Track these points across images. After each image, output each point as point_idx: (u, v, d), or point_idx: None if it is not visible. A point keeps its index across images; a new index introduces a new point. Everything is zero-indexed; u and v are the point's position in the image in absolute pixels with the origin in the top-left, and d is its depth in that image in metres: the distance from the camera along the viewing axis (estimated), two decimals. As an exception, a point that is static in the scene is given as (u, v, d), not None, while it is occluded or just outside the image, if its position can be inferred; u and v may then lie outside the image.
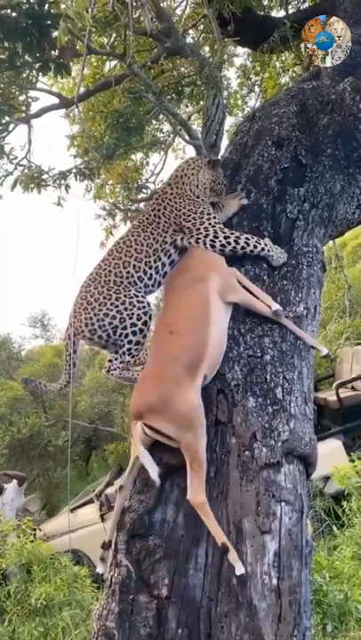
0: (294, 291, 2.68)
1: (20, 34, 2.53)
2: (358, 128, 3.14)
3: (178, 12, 5.12)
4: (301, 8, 5.00)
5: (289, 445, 2.28)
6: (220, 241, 2.56)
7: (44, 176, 3.68)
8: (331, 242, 4.58)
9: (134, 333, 2.51)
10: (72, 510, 7.53)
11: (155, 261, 2.63)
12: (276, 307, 2.47)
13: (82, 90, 3.59)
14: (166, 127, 5.06)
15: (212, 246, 2.57)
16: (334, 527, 5.44)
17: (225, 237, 2.56)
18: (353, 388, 7.47)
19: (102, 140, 3.39)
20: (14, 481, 8.17)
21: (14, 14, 2.61)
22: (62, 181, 3.70)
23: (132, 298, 2.53)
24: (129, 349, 2.52)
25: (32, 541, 5.44)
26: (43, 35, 2.52)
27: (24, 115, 3.31)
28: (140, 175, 4.99)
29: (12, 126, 3.51)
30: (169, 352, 2.30)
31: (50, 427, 11.60)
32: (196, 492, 2.07)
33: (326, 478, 6.19)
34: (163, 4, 4.73)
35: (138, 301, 2.53)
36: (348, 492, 5.49)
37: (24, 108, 3.45)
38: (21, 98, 3.36)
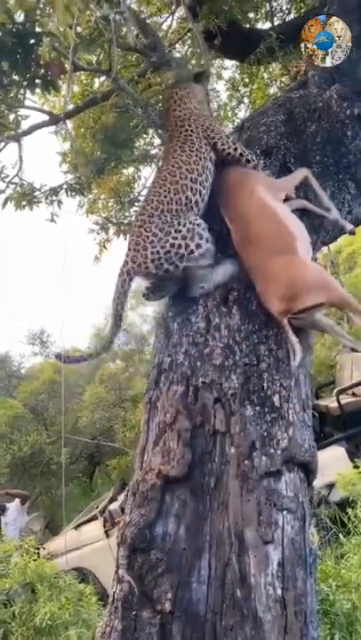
0: (289, 298, 2.68)
1: (6, 53, 2.56)
2: (346, 134, 3.16)
3: (164, 26, 5.19)
4: (286, 20, 5.08)
5: (289, 453, 2.26)
6: (244, 156, 2.79)
7: (36, 193, 3.70)
8: (325, 248, 4.59)
9: (202, 255, 2.46)
10: (76, 527, 7.46)
11: (205, 179, 2.65)
12: (350, 227, 2.92)
13: (71, 107, 3.63)
14: (157, 140, 5.10)
15: (239, 160, 2.78)
16: (340, 535, 5.38)
17: (244, 152, 2.80)
18: (354, 395, 7.44)
19: (92, 155, 3.42)
20: (17, 500, 8.11)
21: (-1, 34, 2.65)
22: (54, 197, 3.72)
23: (193, 225, 2.48)
24: (204, 275, 2.49)
25: (35, 560, 5.38)
26: (28, 53, 2.55)
27: (14, 133, 3.34)
28: (131, 189, 5.03)
29: (2, 144, 3.54)
30: (268, 257, 2.46)
31: (51, 444, 11.53)
32: None
33: (330, 486, 6.13)
34: (148, 20, 4.80)
35: (201, 229, 2.49)
36: (353, 499, 5.44)
37: (14, 127, 3.47)
38: (11, 116, 3.38)
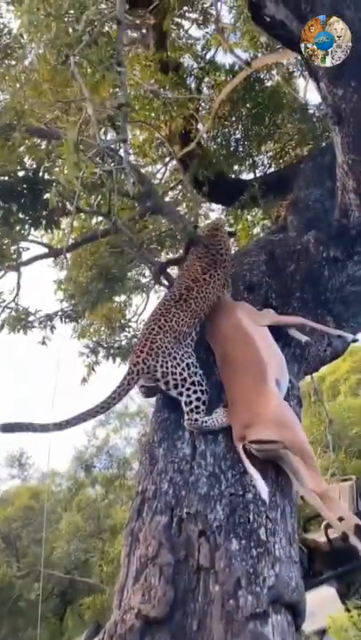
0: (273, 427, 2.72)
1: (15, 196, 2.84)
2: (323, 274, 3.43)
3: (158, 175, 5.78)
4: (268, 172, 5.69)
5: (275, 592, 2.17)
6: None
7: (31, 318, 3.88)
8: (308, 377, 4.72)
9: (202, 392, 2.65)
10: None
11: (199, 320, 2.92)
12: (351, 337, 3.15)
13: (70, 241, 3.93)
14: (148, 272, 5.44)
15: None
16: None
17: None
18: (343, 528, 7.11)
19: (88, 286, 3.66)
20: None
21: (10, 180, 2.96)
22: (48, 323, 3.90)
23: (194, 361, 2.75)
24: (197, 407, 2.62)
25: None
26: (36, 197, 2.84)
27: (15, 263, 3.57)
28: (123, 316, 5.26)
29: (1, 273, 3.76)
30: (237, 378, 2.60)
31: (21, 578, 10.64)
32: (318, 482, 2.30)
33: (322, 632, 5.65)
34: (144, 169, 5.36)
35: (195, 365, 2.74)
36: (346, 648, 5.01)
37: (15, 257, 3.71)
38: (12, 248, 3.63)
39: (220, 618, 2.07)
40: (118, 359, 4.94)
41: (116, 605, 2.28)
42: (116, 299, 5.19)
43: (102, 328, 5.23)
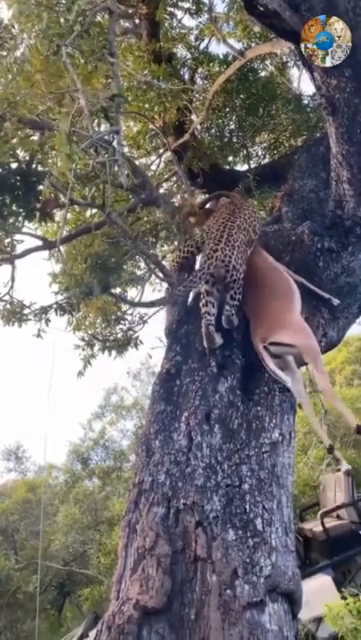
0: (268, 417, 2.75)
1: (8, 188, 2.82)
2: (318, 265, 3.44)
3: (152, 167, 5.76)
4: (262, 163, 5.67)
5: (272, 581, 2.20)
6: None
7: (26, 311, 3.86)
8: (304, 368, 4.73)
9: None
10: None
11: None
12: (336, 302, 3.43)
13: (64, 234, 3.92)
14: (143, 264, 5.42)
15: None
16: None
17: None
18: (338, 517, 7.17)
19: (83, 279, 3.65)
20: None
21: (3, 172, 2.94)
22: (43, 315, 3.89)
23: None
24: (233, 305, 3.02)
25: None
26: (29, 189, 2.82)
27: (8, 256, 3.56)
28: (118, 308, 5.24)
29: (-4, 265, 3.74)
30: (268, 296, 3.05)
31: (20, 570, 10.66)
32: (326, 384, 2.96)
33: (318, 620, 5.69)
34: (138, 161, 5.33)
35: None
36: (342, 635, 5.05)
37: (9, 250, 3.69)
38: (6, 240, 3.61)
39: (217, 607, 2.10)
40: (114, 352, 4.91)
41: (114, 596, 2.30)
42: (112, 291, 5.17)
43: (98, 321, 5.20)
